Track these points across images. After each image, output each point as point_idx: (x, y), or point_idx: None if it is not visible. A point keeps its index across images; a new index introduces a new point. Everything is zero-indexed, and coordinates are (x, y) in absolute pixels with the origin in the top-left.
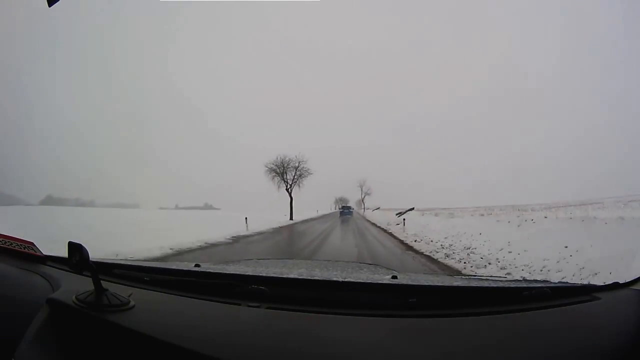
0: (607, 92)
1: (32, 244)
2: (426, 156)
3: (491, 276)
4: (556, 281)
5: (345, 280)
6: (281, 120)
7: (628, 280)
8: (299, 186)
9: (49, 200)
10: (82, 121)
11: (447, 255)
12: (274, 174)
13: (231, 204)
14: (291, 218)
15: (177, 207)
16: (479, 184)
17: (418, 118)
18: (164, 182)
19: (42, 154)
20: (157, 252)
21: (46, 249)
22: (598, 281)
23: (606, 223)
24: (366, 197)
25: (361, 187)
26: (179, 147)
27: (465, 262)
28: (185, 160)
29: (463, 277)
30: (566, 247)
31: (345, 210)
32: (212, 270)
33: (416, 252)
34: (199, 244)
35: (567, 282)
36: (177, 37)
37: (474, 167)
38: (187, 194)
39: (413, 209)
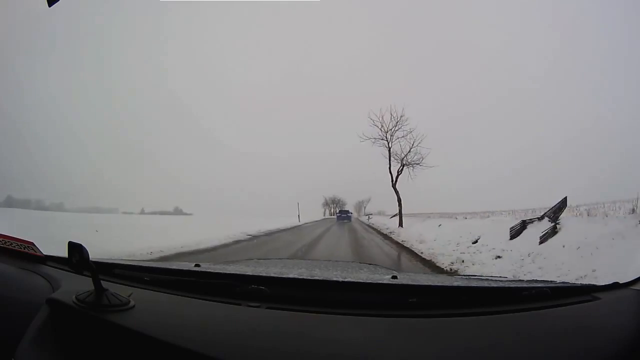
0: (608, 89)
1: (32, 244)
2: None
3: (491, 276)
4: (556, 281)
5: (345, 280)
6: (268, 124)
7: (628, 280)
8: None
9: (8, 202)
10: (58, 120)
11: None
12: None
13: (204, 209)
14: None
15: (142, 212)
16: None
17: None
18: (140, 184)
19: (11, 152)
20: None
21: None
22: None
23: None
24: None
25: (387, 140)
26: (155, 148)
27: None
28: (162, 161)
29: (463, 277)
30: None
31: (342, 215)
32: (212, 270)
33: None
34: None
35: (567, 282)
36: (173, 37)
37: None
38: (159, 198)
39: None
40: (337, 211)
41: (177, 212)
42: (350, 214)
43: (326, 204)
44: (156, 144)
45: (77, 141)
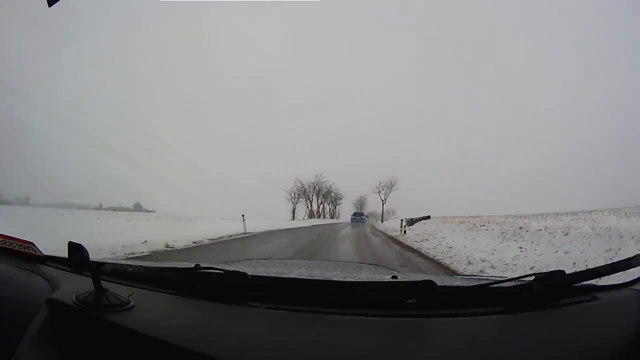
0: (616, 94)
1: (32, 244)
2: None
3: (491, 276)
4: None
5: (345, 280)
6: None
7: (628, 280)
8: None
9: None
10: (26, 112)
11: None
12: None
13: (167, 206)
14: None
15: (100, 207)
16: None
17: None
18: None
19: None
20: None
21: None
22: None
23: None
24: None
25: None
26: (126, 141)
27: None
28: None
29: (463, 277)
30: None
31: (356, 218)
32: (212, 271)
33: None
34: None
35: None
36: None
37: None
38: (120, 192)
39: None
40: (352, 214)
41: (137, 208)
42: (364, 217)
43: (303, 194)
44: (130, 137)
45: (49, 133)
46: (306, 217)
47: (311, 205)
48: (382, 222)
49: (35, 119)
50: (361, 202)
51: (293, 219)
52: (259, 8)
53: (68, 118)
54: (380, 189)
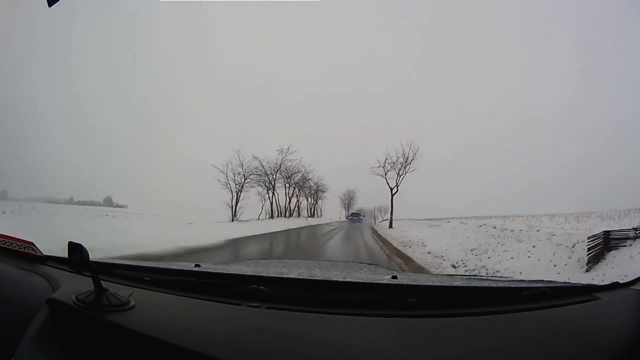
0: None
1: (32, 244)
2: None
3: (491, 276)
4: (557, 281)
5: (345, 280)
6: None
7: (628, 280)
8: None
9: None
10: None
11: None
12: None
13: (141, 202)
14: None
15: (70, 201)
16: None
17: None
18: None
19: None
20: None
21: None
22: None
23: None
24: None
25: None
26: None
27: None
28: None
29: (463, 277)
30: None
31: (354, 218)
32: (212, 271)
33: None
34: None
35: (567, 282)
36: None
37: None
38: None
39: None
40: (349, 215)
41: (107, 203)
42: (361, 217)
43: (265, 179)
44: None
45: (27, 125)
46: (264, 216)
47: (274, 196)
48: (390, 226)
49: (19, 114)
50: (349, 197)
51: (233, 221)
52: (258, 8)
53: (57, 115)
54: (388, 167)
